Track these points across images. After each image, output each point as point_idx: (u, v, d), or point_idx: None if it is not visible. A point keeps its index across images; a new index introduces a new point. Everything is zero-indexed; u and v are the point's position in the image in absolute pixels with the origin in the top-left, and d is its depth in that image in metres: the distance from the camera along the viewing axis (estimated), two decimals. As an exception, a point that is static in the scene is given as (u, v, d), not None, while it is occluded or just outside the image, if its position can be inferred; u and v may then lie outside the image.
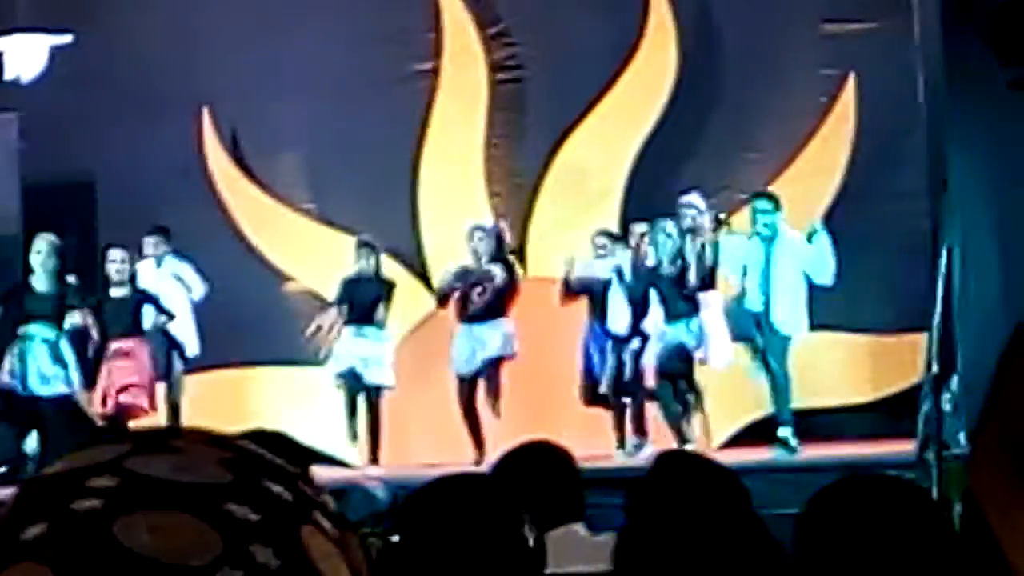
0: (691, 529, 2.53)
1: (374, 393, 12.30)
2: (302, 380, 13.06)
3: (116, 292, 12.07)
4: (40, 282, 11.85)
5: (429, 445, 12.40)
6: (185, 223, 12.79)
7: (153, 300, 12.19)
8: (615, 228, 12.66)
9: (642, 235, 11.96)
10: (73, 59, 13.10)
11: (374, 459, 12.15)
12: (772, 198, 11.83)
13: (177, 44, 13.27)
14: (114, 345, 12.02)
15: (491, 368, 12.11)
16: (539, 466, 4.25)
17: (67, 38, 13.08)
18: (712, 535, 2.52)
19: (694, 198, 11.96)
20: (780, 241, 11.68)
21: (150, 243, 12.50)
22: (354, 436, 12.36)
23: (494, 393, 12.09)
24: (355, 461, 12.44)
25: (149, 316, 12.19)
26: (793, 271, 11.66)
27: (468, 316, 12.16)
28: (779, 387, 11.70)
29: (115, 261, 12.07)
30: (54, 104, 12.99)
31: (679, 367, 11.72)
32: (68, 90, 13.08)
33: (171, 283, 12.46)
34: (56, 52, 13.14)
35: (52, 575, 0.91)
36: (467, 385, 12.16)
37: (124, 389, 11.96)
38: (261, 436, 4.09)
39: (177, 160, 13.27)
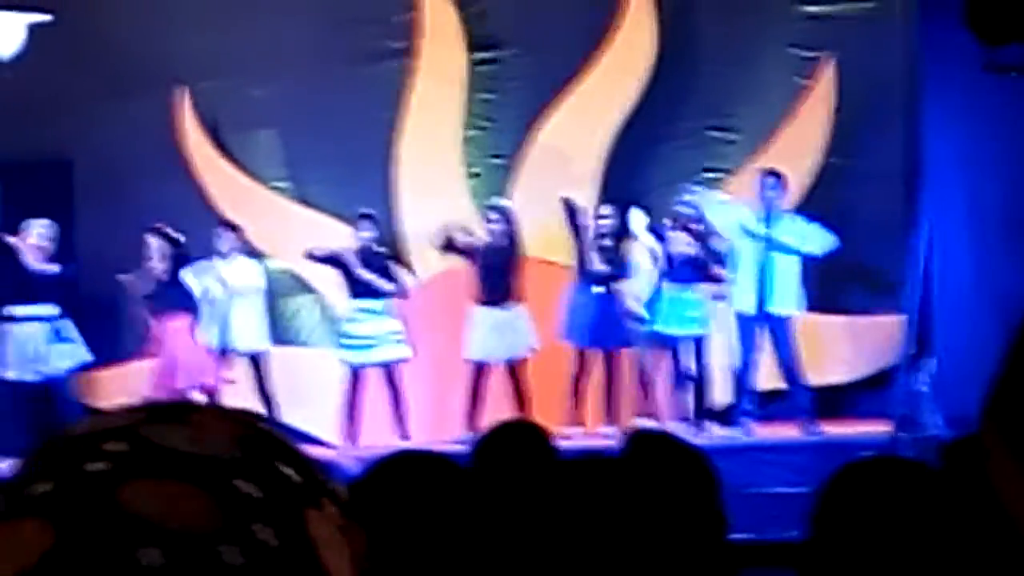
0: (650, 513, 2.54)
1: (393, 368, 12.28)
2: (280, 359, 13.03)
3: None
4: (37, 263, 11.98)
5: (410, 424, 12.40)
6: (162, 203, 12.77)
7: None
8: (591, 209, 12.68)
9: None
10: (51, 38, 13.05)
11: (404, 435, 12.09)
12: (779, 176, 11.82)
13: (154, 23, 13.23)
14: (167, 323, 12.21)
15: (518, 367, 12.14)
16: (518, 446, 4.26)
17: (45, 17, 13.03)
18: (667, 521, 2.53)
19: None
20: (780, 220, 11.67)
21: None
22: (351, 416, 12.34)
23: (524, 394, 12.10)
24: (334, 440, 12.45)
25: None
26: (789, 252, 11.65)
27: (485, 300, 12.17)
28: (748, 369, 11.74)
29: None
30: (31, 83, 12.94)
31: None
32: (45, 69, 13.03)
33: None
34: (34, 31, 13.09)
35: (53, 532, 0.93)
36: (478, 369, 12.19)
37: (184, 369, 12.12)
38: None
39: (154, 139, 13.24)
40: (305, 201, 13.45)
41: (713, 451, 4.20)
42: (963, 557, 2.42)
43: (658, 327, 11.97)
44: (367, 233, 12.36)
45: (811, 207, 12.43)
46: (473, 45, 13.40)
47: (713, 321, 11.90)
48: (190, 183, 13.41)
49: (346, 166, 13.25)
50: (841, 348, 12.60)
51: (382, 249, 12.52)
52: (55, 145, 13.25)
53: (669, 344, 11.99)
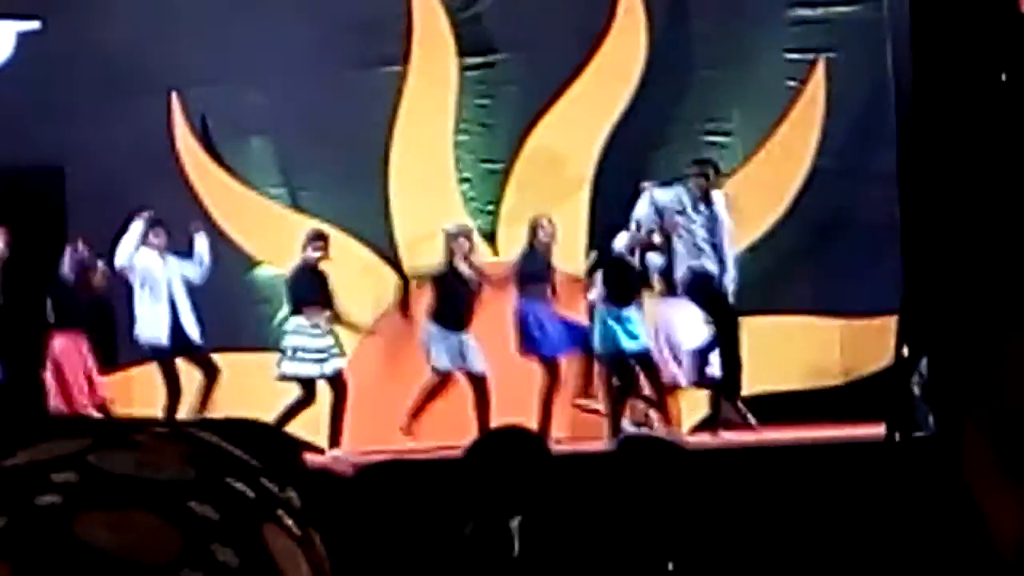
0: (643, 513, 2.54)
1: (338, 379, 12.41)
2: (271, 366, 13.03)
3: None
4: None
5: (397, 430, 12.40)
6: (154, 209, 12.77)
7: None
8: (585, 213, 12.68)
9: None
10: (41, 45, 13.04)
11: (336, 442, 12.26)
12: (705, 162, 11.87)
13: (146, 30, 13.22)
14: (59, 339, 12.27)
15: (479, 384, 12.16)
16: (512, 451, 4.26)
17: (34, 24, 13.02)
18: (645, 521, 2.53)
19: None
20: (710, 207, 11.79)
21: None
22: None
23: (486, 410, 12.15)
24: (323, 445, 12.44)
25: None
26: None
27: (445, 320, 12.20)
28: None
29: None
30: (22, 91, 12.93)
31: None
32: (36, 77, 13.02)
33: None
34: (23, 38, 13.08)
35: (11, 571, 0.90)
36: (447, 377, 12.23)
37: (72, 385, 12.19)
38: (246, 426, 4.07)
39: (146, 146, 13.23)
40: (297, 208, 13.44)
41: (695, 456, 4.21)
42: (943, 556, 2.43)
43: (614, 342, 11.93)
44: (318, 253, 12.40)
45: (803, 209, 12.43)
46: (465, 50, 13.39)
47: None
48: (183, 189, 13.40)
49: (340, 172, 13.25)
50: (835, 350, 12.60)
51: (325, 268, 12.53)
52: (47, 152, 13.24)
53: (619, 357, 11.95)
